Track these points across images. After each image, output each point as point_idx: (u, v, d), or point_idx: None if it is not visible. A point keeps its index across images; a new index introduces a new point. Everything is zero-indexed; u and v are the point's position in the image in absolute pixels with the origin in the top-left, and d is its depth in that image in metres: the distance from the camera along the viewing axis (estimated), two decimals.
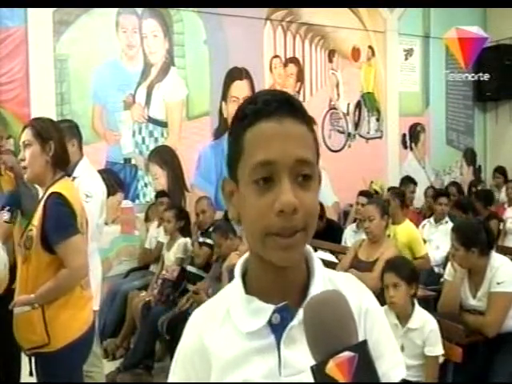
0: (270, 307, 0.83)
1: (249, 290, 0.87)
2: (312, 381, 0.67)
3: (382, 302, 2.56)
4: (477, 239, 2.93)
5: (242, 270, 0.90)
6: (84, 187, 2.99)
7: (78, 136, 3.20)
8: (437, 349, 2.52)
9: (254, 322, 0.83)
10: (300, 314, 0.81)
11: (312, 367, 0.67)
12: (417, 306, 2.62)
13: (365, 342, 0.68)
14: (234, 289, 0.88)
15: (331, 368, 0.65)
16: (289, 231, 0.78)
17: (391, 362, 0.86)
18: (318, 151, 0.84)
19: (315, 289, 0.84)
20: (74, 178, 3.05)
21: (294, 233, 0.78)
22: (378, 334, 0.84)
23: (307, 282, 0.86)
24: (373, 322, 0.85)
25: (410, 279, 2.62)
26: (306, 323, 0.71)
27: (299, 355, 0.80)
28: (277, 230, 0.78)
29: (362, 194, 5.25)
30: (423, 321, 2.56)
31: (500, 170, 6.65)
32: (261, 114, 0.81)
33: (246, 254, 0.91)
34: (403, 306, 2.59)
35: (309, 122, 0.84)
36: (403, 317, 2.59)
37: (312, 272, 0.87)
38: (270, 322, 0.83)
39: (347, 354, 0.66)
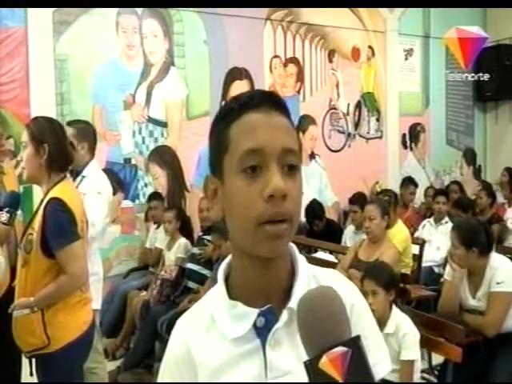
0: (255, 311, 0.82)
1: (232, 293, 0.86)
2: (297, 381, 0.67)
3: None
4: (477, 239, 2.92)
5: (225, 274, 0.89)
6: (95, 185, 3.03)
7: (93, 139, 3.25)
8: (411, 353, 2.47)
9: (238, 327, 0.83)
10: (284, 315, 0.82)
11: (305, 362, 0.67)
12: (394, 309, 2.60)
13: (358, 338, 0.68)
14: (217, 294, 0.88)
15: (325, 363, 0.65)
16: (278, 217, 0.78)
17: (376, 356, 0.87)
18: (300, 148, 0.85)
19: (299, 289, 0.83)
20: (84, 176, 3.08)
21: (283, 220, 0.79)
22: (363, 329, 0.84)
23: (291, 281, 0.86)
24: (358, 317, 0.85)
25: (389, 286, 2.60)
26: (300, 319, 0.71)
27: (285, 357, 0.81)
28: (267, 217, 0.78)
29: (352, 201, 5.25)
30: (397, 325, 2.53)
31: (508, 170, 6.55)
32: (246, 106, 0.82)
33: (229, 257, 0.90)
34: (382, 313, 2.57)
35: (290, 118, 0.86)
36: (382, 322, 2.56)
37: (296, 270, 0.87)
38: (254, 326, 0.82)
39: (340, 349, 0.66)
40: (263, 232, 0.78)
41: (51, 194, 2.25)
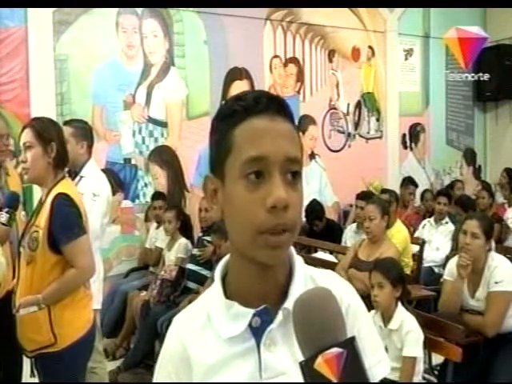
0: (250, 311, 0.82)
1: (229, 293, 0.86)
2: (292, 381, 0.67)
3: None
4: (493, 231, 2.98)
5: (222, 273, 0.89)
6: (91, 186, 3.04)
7: (90, 138, 3.24)
8: (413, 350, 2.47)
9: (234, 326, 0.83)
10: (280, 315, 0.82)
11: (301, 363, 0.67)
12: (399, 307, 2.61)
13: (353, 338, 0.68)
14: (214, 293, 0.88)
15: (320, 364, 0.65)
16: (280, 228, 0.78)
17: (374, 358, 0.86)
18: (302, 152, 0.85)
19: (295, 289, 0.83)
20: (82, 177, 3.08)
21: (283, 231, 0.78)
22: (360, 331, 0.84)
23: (288, 281, 0.86)
24: (354, 318, 0.85)
25: (396, 281, 2.61)
26: (295, 320, 0.72)
27: (279, 357, 0.81)
28: (267, 228, 0.77)
29: (359, 197, 5.25)
30: (402, 322, 2.54)
31: (507, 172, 6.55)
32: (252, 110, 0.81)
33: (227, 257, 0.90)
34: (386, 307, 2.58)
35: (294, 123, 0.85)
36: (386, 318, 2.59)
37: (293, 271, 0.87)
38: (250, 326, 0.83)
39: (336, 350, 0.66)
40: (264, 240, 0.78)
41: (56, 190, 2.26)
